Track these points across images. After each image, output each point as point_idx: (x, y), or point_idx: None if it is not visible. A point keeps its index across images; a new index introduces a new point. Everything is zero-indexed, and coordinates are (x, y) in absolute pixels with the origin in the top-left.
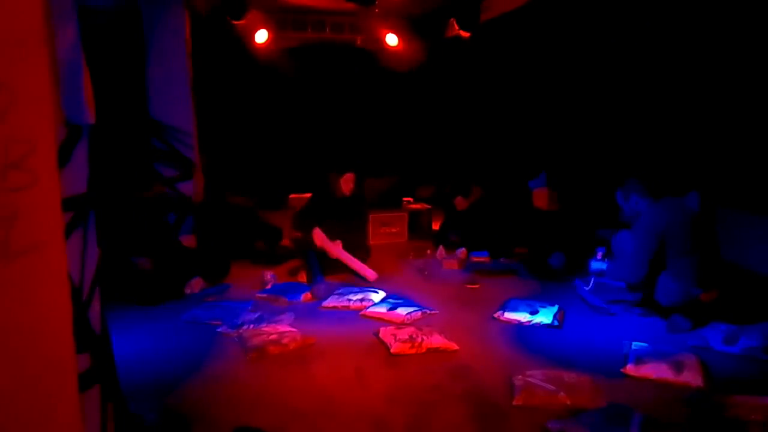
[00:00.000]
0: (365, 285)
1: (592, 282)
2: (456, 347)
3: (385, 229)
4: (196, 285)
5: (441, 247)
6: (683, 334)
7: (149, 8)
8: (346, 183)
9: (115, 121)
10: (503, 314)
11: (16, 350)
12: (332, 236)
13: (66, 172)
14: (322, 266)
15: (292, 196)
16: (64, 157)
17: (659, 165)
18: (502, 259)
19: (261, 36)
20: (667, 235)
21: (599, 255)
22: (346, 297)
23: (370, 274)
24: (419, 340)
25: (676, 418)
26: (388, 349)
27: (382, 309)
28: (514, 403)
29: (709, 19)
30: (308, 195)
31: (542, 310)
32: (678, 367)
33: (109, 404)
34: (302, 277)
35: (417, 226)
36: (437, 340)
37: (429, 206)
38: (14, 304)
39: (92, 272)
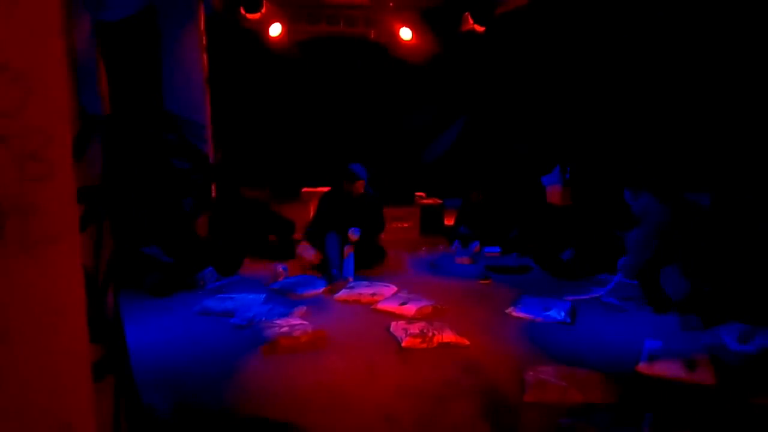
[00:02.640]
0: (377, 279)
1: (613, 282)
2: (467, 342)
3: (397, 224)
4: (208, 277)
5: (457, 242)
6: (697, 333)
7: (164, 2)
8: (357, 188)
9: (130, 113)
10: (515, 310)
11: (31, 340)
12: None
13: (81, 164)
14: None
15: (305, 189)
16: (79, 148)
17: (674, 163)
18: (514, 255)
19: (275, 29)
20: (676, 232)
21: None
22: (357, 291)
23: (347, 275)
24: (430, 334)
25: (688, 417)
26: (399, 343)
27: (394, 303)
28: (525, 399)
29: (730, 11)
30: (321, 189)
31: (554, 307)
32: (691, 366)
33: (122, 395)
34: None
35: (429, 221)
36: (448, 335)
37: (441, 201)
38: (30, 294)
39: (107, 263)
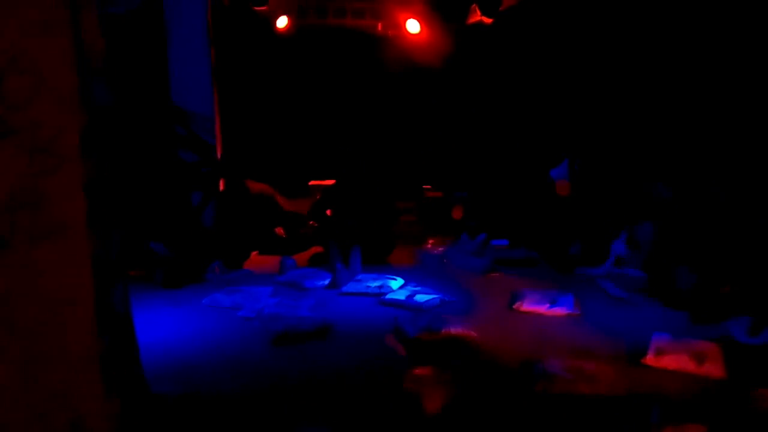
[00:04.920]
0: (384, 272)
1: (607, 266)
2: (475, 335)
3: (404, 217)
4: (216, 270)
5: (464, 234)
6: (706, 325)
7: None
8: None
9: (137, 107)
10: (522, 304)
11: (40, 331)
12: (354, 227)
13: (90, 156)
14: (343, 254)
15: (311, 182)
16: (87, 141)
17: (687, 155)
18: (522, 248)
19: (282, 22)
20: (687, 227)
21: (622, 238)
22: (365, 284)
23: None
24: (437, 327)
25: (696, 410)
26: (406, 335)
27: (401, 296)
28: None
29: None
30: (328, 182)
31: (561, 300)
32: (699, 358)
33: (131, 386)
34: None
35: (436, 213)
36: (456, 328)
37: (448, 193)
38: (39, 285)
39: (115, 255)
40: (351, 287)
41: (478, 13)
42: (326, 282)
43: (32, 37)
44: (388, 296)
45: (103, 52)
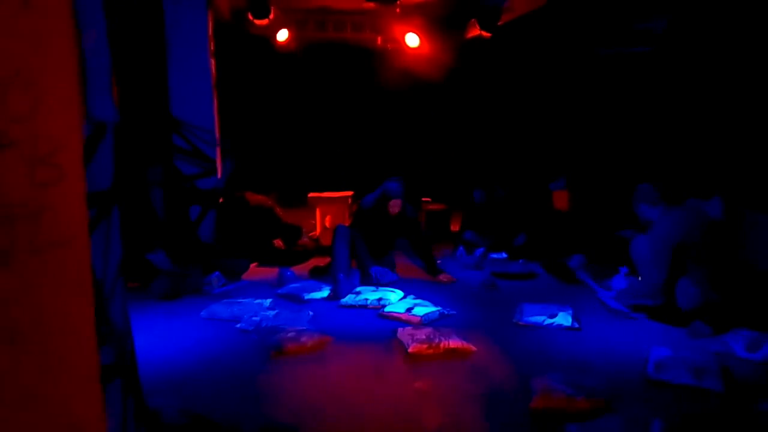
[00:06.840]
0: (383, 285)
1: (613, 293)
2: (474, 348)
3: None
4: (215, 282)
5: (461, 248)
6: (705, 340)
7: (172, 6)
8: (393, 207)
9: (137, 119)
10: (522, 317)
11: (40, 343)
12: (376, 247)
13: (91, 169)
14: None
15: (311, 194)
16: (89, 153)
17: (680, 168)
18: (521, 261)
19: (282, 35)
20: (685, 243)
21: (622, 274)
22: (363, 297)
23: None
24: (437, 340)
25: (696, 424)
26: (405, 348)
27: (400, 309)
28: (531, 405)
29: (733, 16)
30: (327, 194)
31: (561, 313)
32: (699, 373)
33: (129, 399)
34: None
35: (435, 226)
36: (455, 341)
37: (447, 206)
38: (39, 297)
39: (115, 267)
40: (350, 300)
41: (477, 27)
42: (325, 294)
43: (36, 50)
44: (388, 309)
45: (108, 66)
